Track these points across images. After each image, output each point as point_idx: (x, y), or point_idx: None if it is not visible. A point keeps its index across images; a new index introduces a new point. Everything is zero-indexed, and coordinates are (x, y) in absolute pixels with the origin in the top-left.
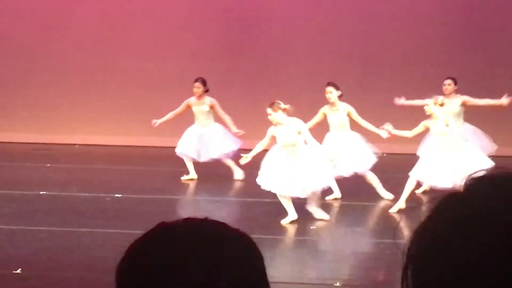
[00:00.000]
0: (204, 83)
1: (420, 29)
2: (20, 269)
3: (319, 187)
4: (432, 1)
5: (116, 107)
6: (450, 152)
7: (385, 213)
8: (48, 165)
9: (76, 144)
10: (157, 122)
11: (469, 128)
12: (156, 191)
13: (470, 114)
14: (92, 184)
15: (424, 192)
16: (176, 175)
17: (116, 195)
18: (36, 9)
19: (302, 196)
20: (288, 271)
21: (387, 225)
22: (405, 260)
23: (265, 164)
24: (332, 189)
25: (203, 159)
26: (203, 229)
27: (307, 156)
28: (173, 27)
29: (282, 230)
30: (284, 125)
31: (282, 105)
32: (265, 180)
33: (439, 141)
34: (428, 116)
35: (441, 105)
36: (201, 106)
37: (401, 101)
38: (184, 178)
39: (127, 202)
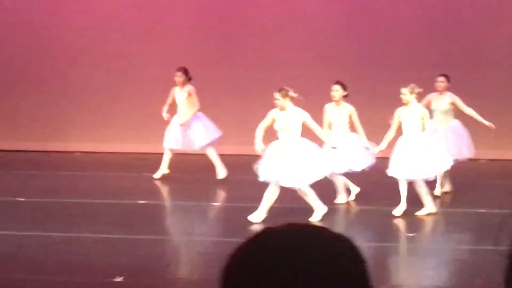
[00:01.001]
0: (186, 72)
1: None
2: (122, 277)
3: (313, 179)
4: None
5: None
6: (416, 146)
7: (482, 220)
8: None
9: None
10: (165, 115)
11: (455, 127)
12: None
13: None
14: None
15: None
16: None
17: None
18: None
19: (296, 187)
20: (396, 277)
21: (484, 231)
22: (509, 264)
23: (265, 157)
24: (349, 187)
25: (188, 148)
26: (306, 233)
27: (304, 147)
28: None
29: (380, 236)
30: (288, 112)
31: (291, 93)
32: (265, 171)
33: (407, 137)
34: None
35: (418, 93)
36: (181, 93)
37: None
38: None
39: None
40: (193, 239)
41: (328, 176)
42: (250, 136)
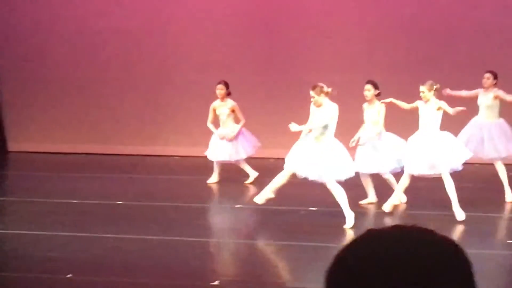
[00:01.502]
0: (226, 85)
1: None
2: (217, 281)
3: (339, 178)
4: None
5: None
6: (426, 141)
7: None
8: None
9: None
10: (218, 134)
11: (500, 124)
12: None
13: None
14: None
15: None
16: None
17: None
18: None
19: (318, 180)
20: None
21: None
22: None
23: (293, 149)
24: (367, 193)
25: (233, 159)
26: (412, 235)
27: (334, 145)
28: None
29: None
30: (324, 107)
31: (325, 88)
32: (290, 161)
33: (419, 132)
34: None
35: (436, 90)
36: (223, 108)
37: (447, 91)
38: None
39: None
40: (290, 243)
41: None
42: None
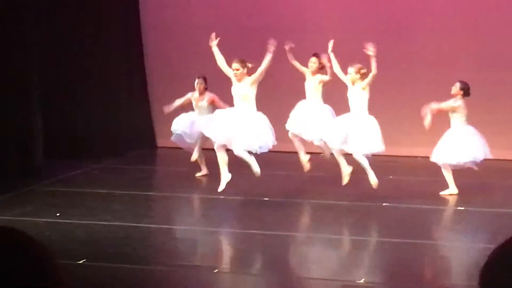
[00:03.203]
0: (205, 80)
1: None
2: (363, 279)
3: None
4: None
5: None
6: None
7: None
8: (391, 177)
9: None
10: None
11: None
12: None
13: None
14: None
15: None
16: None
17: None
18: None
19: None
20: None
21: None
22: None
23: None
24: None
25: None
26: None
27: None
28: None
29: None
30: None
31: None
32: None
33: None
34: None
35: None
36: (200, 102)
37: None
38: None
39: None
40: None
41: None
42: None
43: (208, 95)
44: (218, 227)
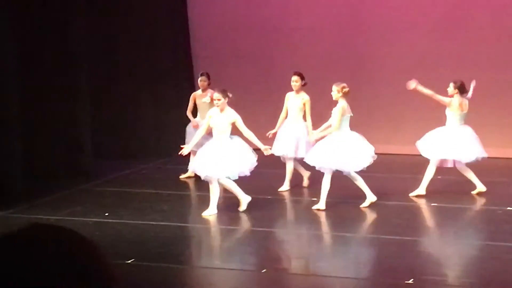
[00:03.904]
0: (208, 77)
1: None
2: (412, 279)
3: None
4: None
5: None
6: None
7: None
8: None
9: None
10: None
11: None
12: None
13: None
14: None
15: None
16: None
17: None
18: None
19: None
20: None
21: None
22: None
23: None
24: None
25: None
26: None
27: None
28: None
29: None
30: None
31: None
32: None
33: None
34: None
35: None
36: (203, 98)
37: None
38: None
39: None
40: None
41: None
42: None
43: (211, 92)
44: (269, 227)
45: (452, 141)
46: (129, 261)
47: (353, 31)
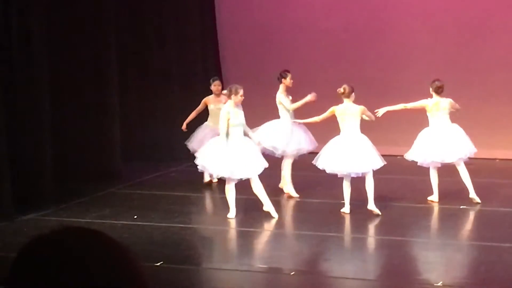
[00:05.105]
0: (221, 81)
1: None
2: (441, 282)
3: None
4: None
5: None
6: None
7: None
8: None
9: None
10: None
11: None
12: None
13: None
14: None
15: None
16: None
17: None
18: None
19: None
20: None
21: None
22: None
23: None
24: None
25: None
26: None
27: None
28: None
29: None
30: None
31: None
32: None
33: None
34: None
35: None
36: (218, 104)
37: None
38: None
39: None
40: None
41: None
42: None
43: (225, 97)
44: (295, 229)
45: (437, 143)
46: (158, 264)
47: (375, 35)
